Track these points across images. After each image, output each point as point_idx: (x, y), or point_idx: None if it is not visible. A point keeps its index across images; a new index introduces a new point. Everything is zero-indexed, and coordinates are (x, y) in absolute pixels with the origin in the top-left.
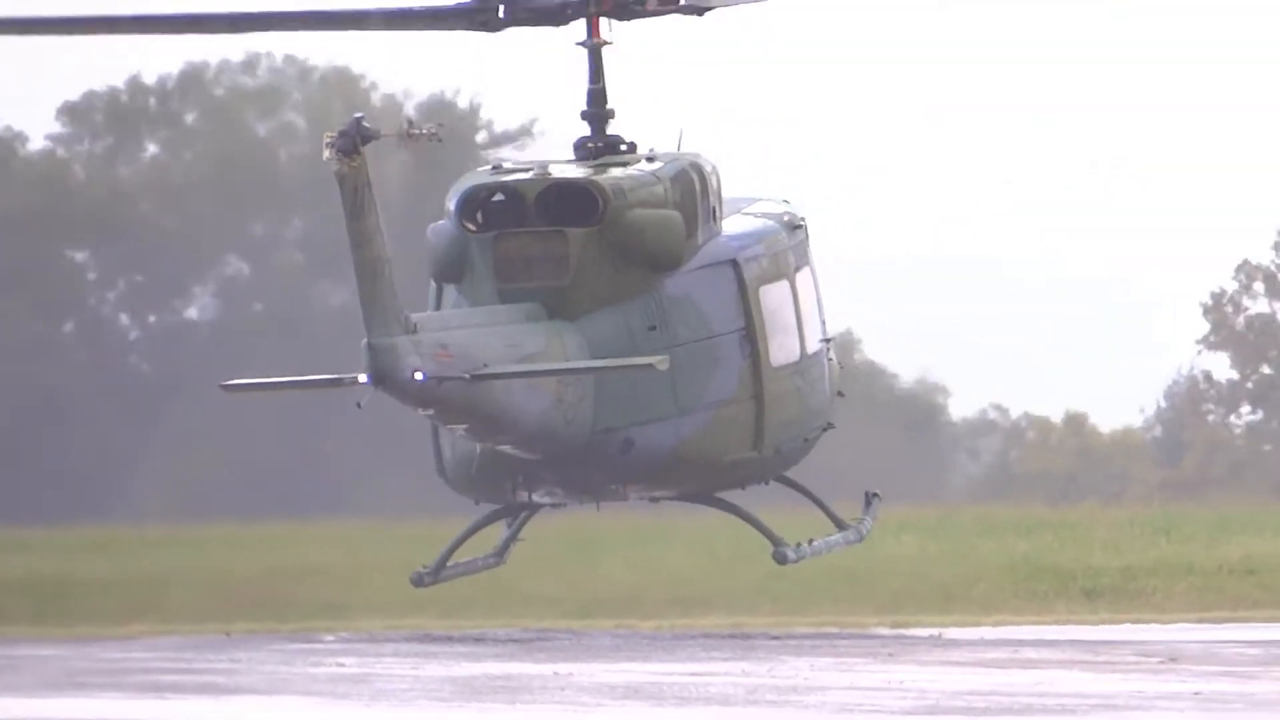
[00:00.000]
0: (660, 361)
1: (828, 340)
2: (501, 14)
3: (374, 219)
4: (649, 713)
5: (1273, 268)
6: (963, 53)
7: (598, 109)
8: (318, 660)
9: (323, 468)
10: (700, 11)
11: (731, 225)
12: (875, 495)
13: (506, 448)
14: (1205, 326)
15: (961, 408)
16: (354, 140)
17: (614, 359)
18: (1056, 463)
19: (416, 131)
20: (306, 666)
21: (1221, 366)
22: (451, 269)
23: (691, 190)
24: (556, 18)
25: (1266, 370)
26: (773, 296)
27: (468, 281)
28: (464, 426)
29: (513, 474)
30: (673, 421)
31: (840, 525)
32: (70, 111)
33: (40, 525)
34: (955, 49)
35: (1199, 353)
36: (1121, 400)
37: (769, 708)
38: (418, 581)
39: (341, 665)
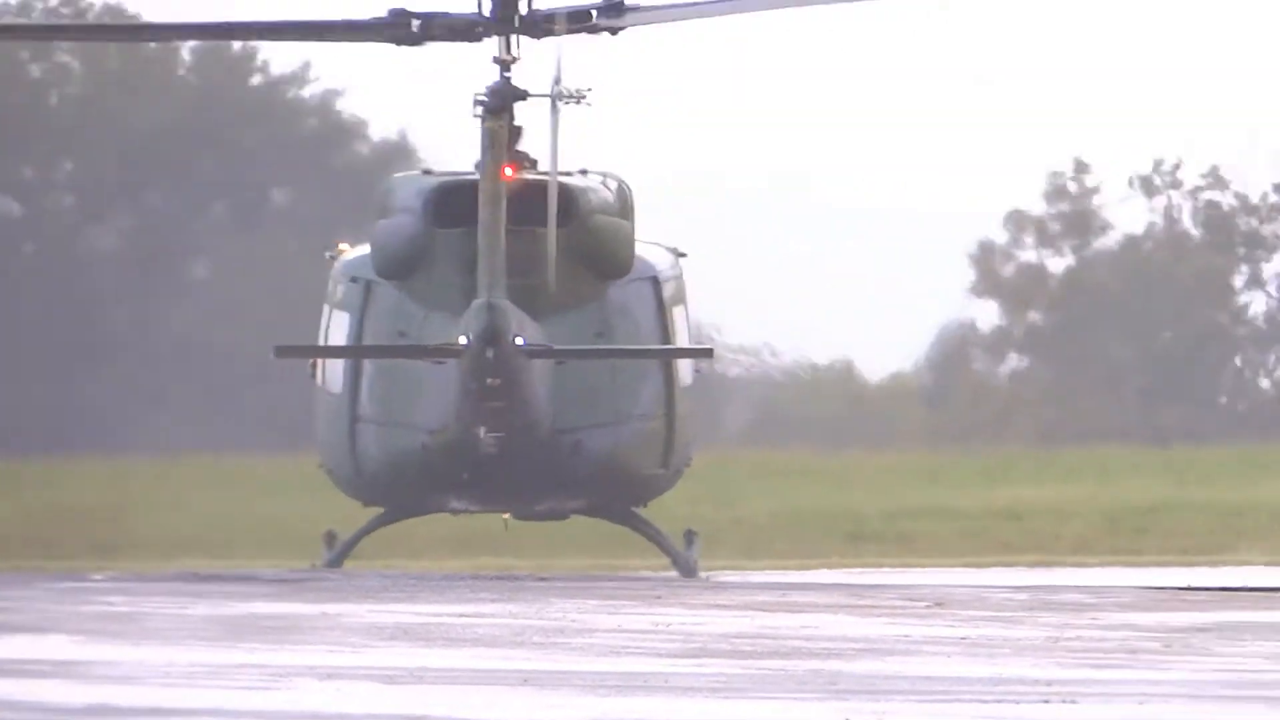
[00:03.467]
0: (710, 350)
1: (697, 372)
2: (416, 29)
3: (504, 182)
4: (417, 653)
5: (1044, 218)
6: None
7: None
8: (86, 599)
9: (90, 408)
10: (614, 31)
11: (638, 247)
12: (695, 533)
13: (493, 436)
14: (973, 275)
15: (732, 350)
16: (504, 99)
17: (660, 349)
18: (825, 408)
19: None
20: (75, 605)
21: (989, 314)
22: (401, 265)
23: (627, 204)
24: (470, 34)
25: (1034, 318)
26: (677, 318)
27: (421, 277)
28: (503, 404)
29: (456, 474)
30: (611, 428)
31: (676, 562)
32: None
33: None
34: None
35: (967, 301)
36: (889, 346)
37: (536, 649)
38: None
39: (110, 604)
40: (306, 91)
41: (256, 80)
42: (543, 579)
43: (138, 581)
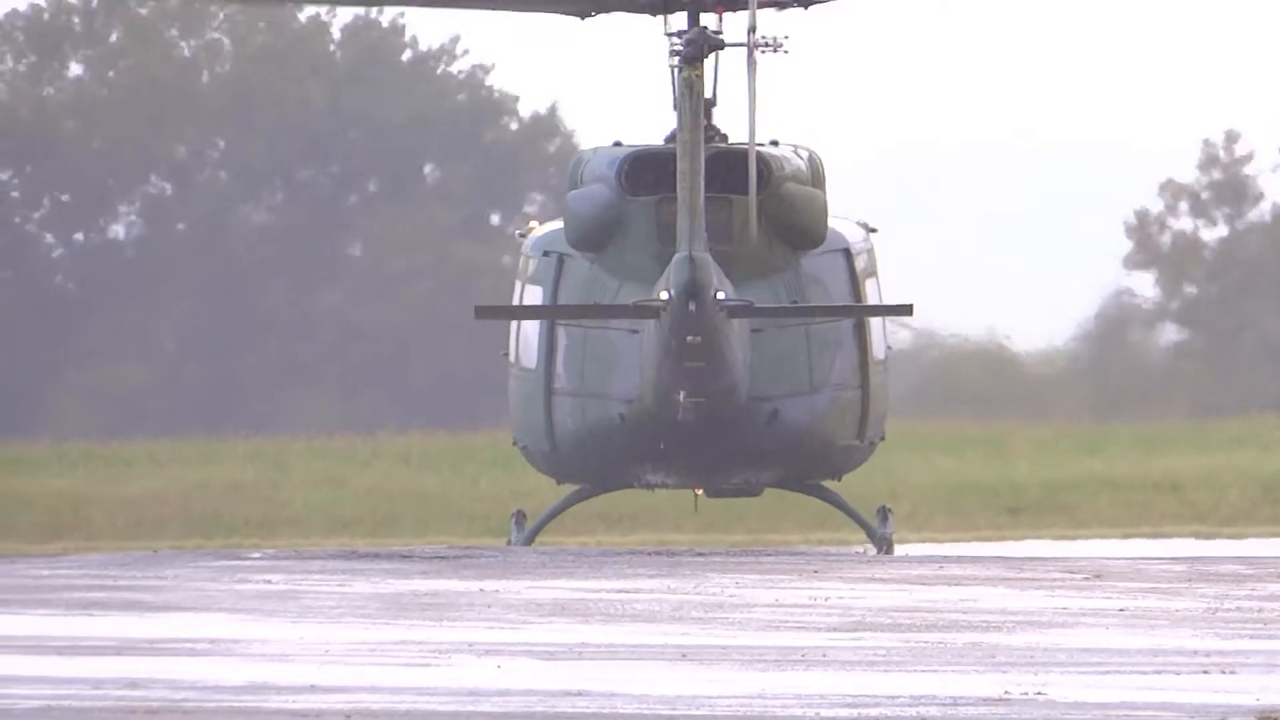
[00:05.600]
0: (910, 307)
1: (889, 348)
2: (597, 1)
3: (702, 131)
4: (575, 629)
5: (1197, 187)
6: None
7: None
8: (244, 577)
9: (245, 385)
10: (805, 5)
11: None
12: (889, 509)
13: (691, 401)
14: (1128, 245)
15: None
16: (701, 48)
17: (858, 305)
18: (981, 380)
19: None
20: (233, 583)
21: (1145, 286)
22: (594, 236)
23: (820, 175)
24: (653, 7)
25: (1190, 290)
26: (869, 291)
27: (614, 247)
28: (702, 364)
29: (653, 445)
30: (808, 398)
31: (871, 536)
32: None
33: None
34: None
35: (1124, 272)
36: (1046, 319)
37: (695, 624)
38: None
39: (268, 582)
40: (455, 68)
41: (406, 56)
42: (700, 554)
43: (295, 559)
